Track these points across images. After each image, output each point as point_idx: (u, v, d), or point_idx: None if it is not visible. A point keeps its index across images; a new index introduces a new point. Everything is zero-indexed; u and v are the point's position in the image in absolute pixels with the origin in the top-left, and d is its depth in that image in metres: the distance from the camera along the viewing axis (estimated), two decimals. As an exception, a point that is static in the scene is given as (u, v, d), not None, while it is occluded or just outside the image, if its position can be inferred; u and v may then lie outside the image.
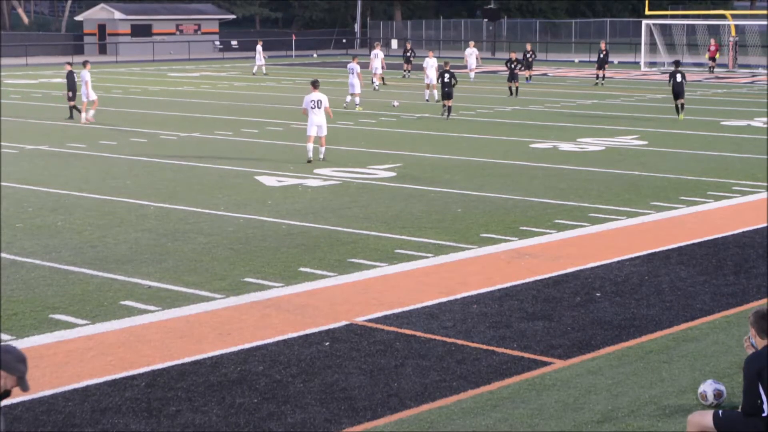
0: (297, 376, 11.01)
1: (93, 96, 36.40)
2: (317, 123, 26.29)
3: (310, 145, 26.27)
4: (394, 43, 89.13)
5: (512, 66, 46.67)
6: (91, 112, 36.15)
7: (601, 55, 53.84)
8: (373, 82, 51.47)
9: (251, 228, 18.41)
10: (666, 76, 40.14)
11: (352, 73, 39.93)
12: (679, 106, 37.10)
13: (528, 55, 55.71)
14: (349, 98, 40.49)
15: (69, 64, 38.03)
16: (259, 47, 63.93)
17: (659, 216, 19.69)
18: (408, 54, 61.28)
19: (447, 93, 37.28)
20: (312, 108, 26.28)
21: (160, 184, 23.23)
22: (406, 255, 16.36)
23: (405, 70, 60.72)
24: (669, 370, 11.21)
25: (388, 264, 15.84)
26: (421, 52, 68.82)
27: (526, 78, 54.90)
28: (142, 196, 21.62)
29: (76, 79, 36.44)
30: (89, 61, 38.65)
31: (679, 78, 37.13)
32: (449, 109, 37.43)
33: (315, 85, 26.75)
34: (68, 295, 14.13)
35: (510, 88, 46.46)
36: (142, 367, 11.29)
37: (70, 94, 36.58)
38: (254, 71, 63.14)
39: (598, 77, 54.01)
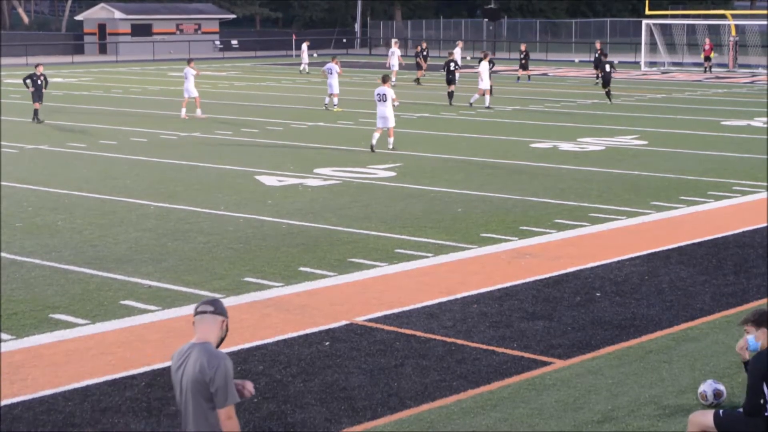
0: (297, 376, 11.02)
1: (195, 93, 37.06)
2: (381, 115, 28.34)
3: (376, 135, 28.43)
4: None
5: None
6: (198, 111, 36.99)
7: (597, 55, 53.84)
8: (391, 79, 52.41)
9: (251, 227, 18.41)
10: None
11: (331, 74, 39.69)
12: (607, 93, 42.50)
13: (522, 56, 55.43)
14: (327, 99, 40.21)
15: (40, 65, 37.47)
16: (304, 46, 63.69)
17: (659, 216, 19.69)
18: (424, 53, 56.27)
19: (450, 80, 42.79)
20: (378, 101, 28.29)
21: (160, 183, 23.23)
22: (406, 255, 16.36)
23: (417, 77, 56.48)
24: (669, 369, 11.22)
25: (388, 264, 15.84)
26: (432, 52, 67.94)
27: (518, 78, 54.55)
28: (143, 195, 21.62)
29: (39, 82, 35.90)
30: (193, 59, 39.31)
31: (608, 68, 42.72)
32: (451, 94, 42.44)
33: (384, 79, 28.99)
34: (68, 294, 14.13)
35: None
36: (143, 366, 11.30)
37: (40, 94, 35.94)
38: (301, 69, 62.86)
39: (597, 77, 54.02)
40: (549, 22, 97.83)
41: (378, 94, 28.37)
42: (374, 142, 28.40)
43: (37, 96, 35.69)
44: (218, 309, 6.77)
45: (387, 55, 59.21)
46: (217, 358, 6.57)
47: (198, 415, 6.60)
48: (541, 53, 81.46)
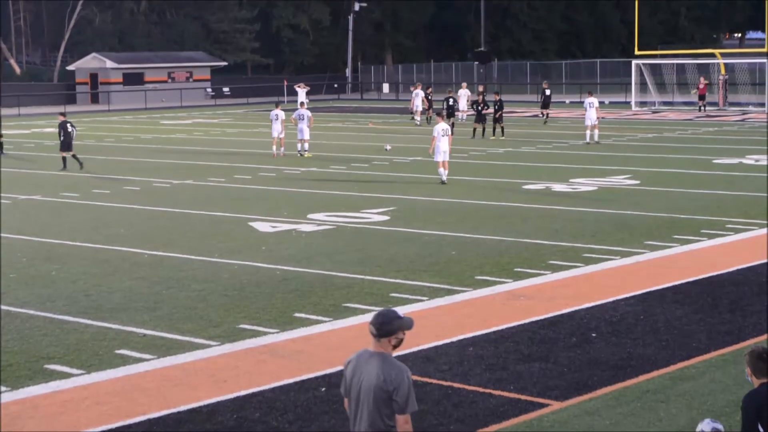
0: (293, 423, 10.98)
1: (282, 133, 39.55)
2: (443, 149, 30.45)
3: (441, 170, 30.70)
4: (386, 87, 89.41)
5: (479, 108, 47.12)
6: (282, 149, 39.63)
7: (547, 93, 56.17)
8: (414, 119, 56.38)
9: (246, 274, 18.39)
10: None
11: (302, 119, 39.76)
12: (482, 130, 46.43)
13: (483, 96, 55.25)
14: (299, 145, 40.02)
15: (62, 114, 38.02)
16: (301, 92, 63.77)
17: (653, 255, 19.71)
18: (428, 97, 56.08)
19: (449, 114, 46.93)
20: (442, 136, 30.33)
21: (153, 231, 23.23)
22: (401, 298, 16.35)
23: (427, 116, 56.17)
24: (666, 409, 11.19)
25: (383, 308, 15.79)
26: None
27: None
28: (136, 244, 21.60)
29: (69, 129, 36.51)
30: (281, 101, 42.56)
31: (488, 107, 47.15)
32: (452, 125, 44.28)
33: (442, 116, 32.05)
34: (63, 344, 14.09)
35: (474, 130, 46.88)
36: (138, 416, 11.25)
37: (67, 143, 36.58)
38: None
39: (543, 115, 55.94)
40: (539, 63, 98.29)
41: (443, 129, 30.53)
42: (444, 178, 30.56)
43: (63, 144, 36.73)
44: (382, 334, 7.41)
45: (379, 99, 59.66)
46: (400, 371, 7.33)
47: (375, 418, 7.28)
48: (532, 95, 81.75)
